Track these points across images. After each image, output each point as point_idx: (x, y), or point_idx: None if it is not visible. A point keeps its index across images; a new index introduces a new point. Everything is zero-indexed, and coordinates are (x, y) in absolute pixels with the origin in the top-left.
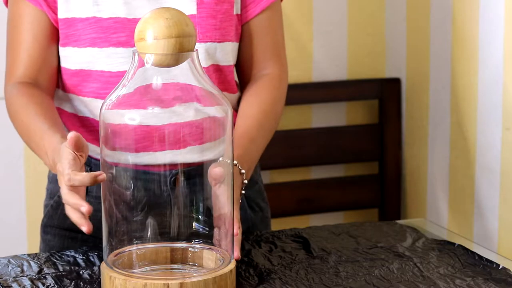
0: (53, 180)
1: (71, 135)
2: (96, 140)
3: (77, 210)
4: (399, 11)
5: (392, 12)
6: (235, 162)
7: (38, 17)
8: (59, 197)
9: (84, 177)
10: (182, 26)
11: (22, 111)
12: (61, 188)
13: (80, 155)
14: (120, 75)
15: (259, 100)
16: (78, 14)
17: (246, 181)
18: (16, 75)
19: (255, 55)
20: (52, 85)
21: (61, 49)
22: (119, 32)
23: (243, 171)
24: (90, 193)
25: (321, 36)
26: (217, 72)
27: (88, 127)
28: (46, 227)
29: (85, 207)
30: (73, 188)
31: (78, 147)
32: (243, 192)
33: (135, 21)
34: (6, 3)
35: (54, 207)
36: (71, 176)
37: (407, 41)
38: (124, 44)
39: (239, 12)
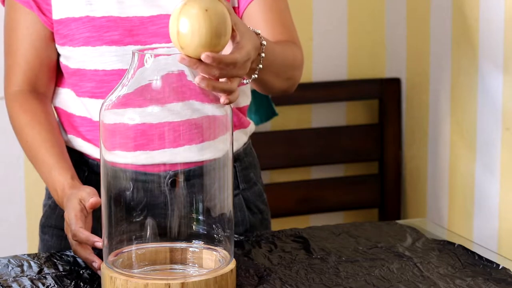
0: None
1: (92, 201)
2: (93, 141)
3: (87, 250)
4: (399, 11)
5: (392, 12)
6: (258, 31)
7: (33, 21)
8: None
9: (87, 236)
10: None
11: (28, 131)
12: (67, 236)
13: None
14: (114, 73)
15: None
16: (71, 14)
17: (263, 55)
18: (15, 81)
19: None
20: (51, 88)
21: (60, 48)
22: (112, 30)
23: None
24: None
25: (321, 36)
26: None
27: (85, 127)
28: (44, 227)
29: (96, 263)
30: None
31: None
32: (260, 67)
33: (127, 19)
34: (3, 1)
35: (52, 207)
36: (76, 232)
37: (407, 41)
38: (117, 42)
39: (235, 5)
